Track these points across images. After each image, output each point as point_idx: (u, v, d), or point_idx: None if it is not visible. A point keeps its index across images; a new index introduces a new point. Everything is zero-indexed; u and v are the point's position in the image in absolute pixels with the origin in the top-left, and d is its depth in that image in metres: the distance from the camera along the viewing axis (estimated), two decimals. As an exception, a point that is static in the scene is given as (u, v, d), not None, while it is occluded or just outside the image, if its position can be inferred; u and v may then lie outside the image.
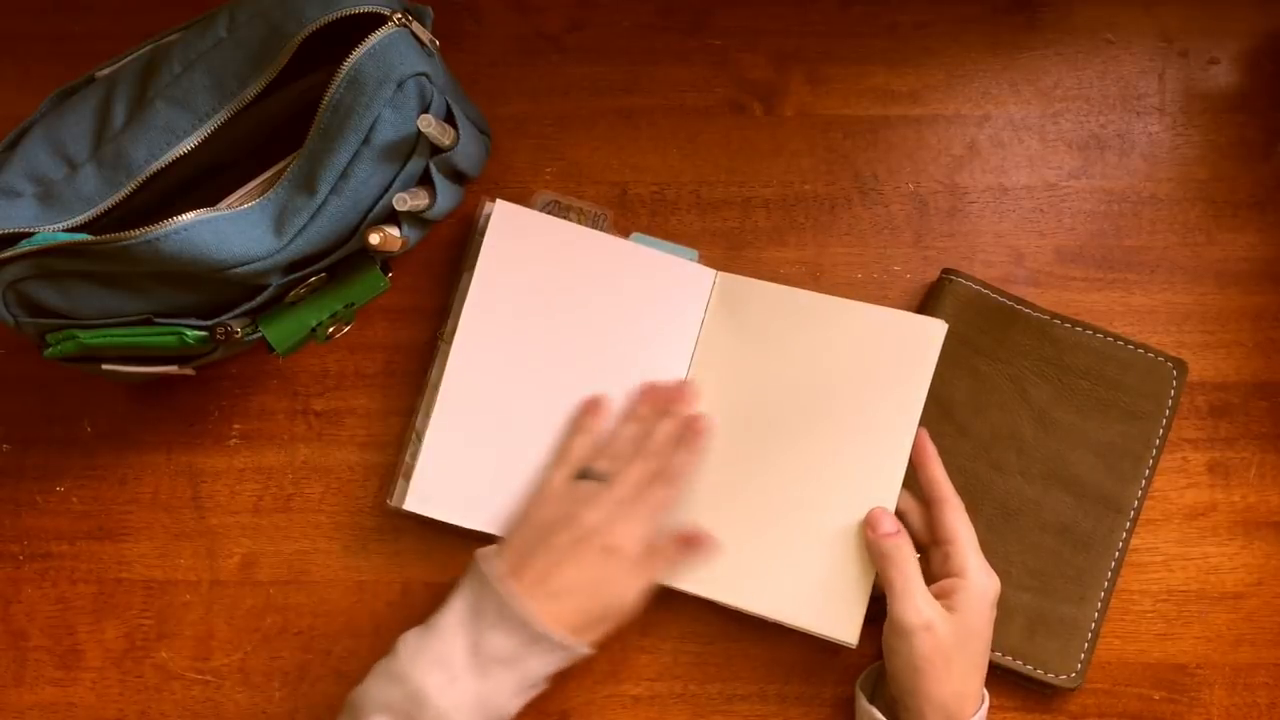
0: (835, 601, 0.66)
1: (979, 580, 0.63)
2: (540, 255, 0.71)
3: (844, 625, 0.65)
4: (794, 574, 0.67)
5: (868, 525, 0.65)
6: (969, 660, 0.63)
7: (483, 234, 0.71)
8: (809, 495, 0.67)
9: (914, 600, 0.62)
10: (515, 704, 0.62)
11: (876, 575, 0.65)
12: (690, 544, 0.67)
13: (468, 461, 0.69)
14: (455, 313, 0.72)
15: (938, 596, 0.63)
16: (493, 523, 0.68)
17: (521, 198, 0.74)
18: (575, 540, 0.63)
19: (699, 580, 0.68)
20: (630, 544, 0.64)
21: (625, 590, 0.63)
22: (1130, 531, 0.70)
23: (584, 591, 0.62)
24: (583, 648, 0.62)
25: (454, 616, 0.61)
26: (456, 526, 0.69)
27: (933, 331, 0.68)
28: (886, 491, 0.66)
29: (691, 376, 0.71)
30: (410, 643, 0.61)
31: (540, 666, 0.61)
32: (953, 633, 0.62)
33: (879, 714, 0.64)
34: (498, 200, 0.71)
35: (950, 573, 0.64)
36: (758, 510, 0.68)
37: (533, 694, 0.62)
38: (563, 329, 0.71)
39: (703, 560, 0.67)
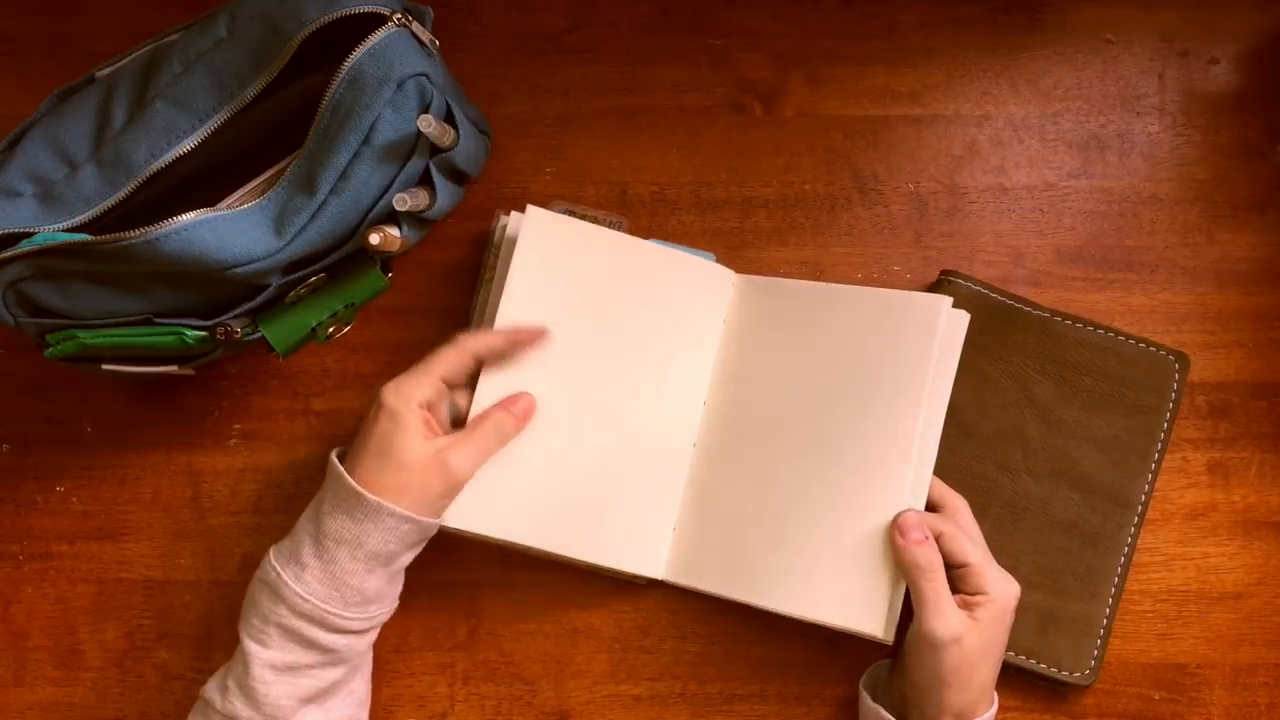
0: (865, 595, 0.64)
1: (1001, 592, 0.63)
2: (574, 261, 0.69)
3: (874, 618, 0.64)
4: (822, 569, 0.65)
5: (896, 530, 0.63)
6: (989, 667, 0.63)
7: (499, 247, 0.70)
8: (834, 490, 0.66)
9: (945, 614, 0.61)
10: (375, 582, 0.62)
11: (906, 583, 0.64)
12: (513, 403, 0.65)
13: (492, 470, 0.68)
14: (475, 323, 0.71)
15: (961, 608, 0.62)
16: (506, 528, 0.66)
17: (522, 198, 0.74)
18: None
19: (724, 582, 0.67)
20: (393, 395, 0.62)
21: (404, 444, 0.61)
22: (1139, 526, 0.70)
23: (367, 448, 0.62)
24: (397, 509, 0.60)
25: (304, 515, 0.63)
26: (459, 529, 0.69)
27: (943, 307, 0.65)
28: (918, 481, 0.65)
29: (713, 380, 0.70)
30: (273, 549, 0.63)
31: (378, 539, 0.61)
32: (978, 643, 0.61)
33: (886, 714, 0.64)
34: (529, 206, 0.68)
35: (970, 590, 0.63)
36: (783, 507, 0.67)
37: (392, 570, 0.62)
38: (586, 331, 0.69)
39: (517, 426, 0.65)
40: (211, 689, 0.62)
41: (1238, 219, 0.74)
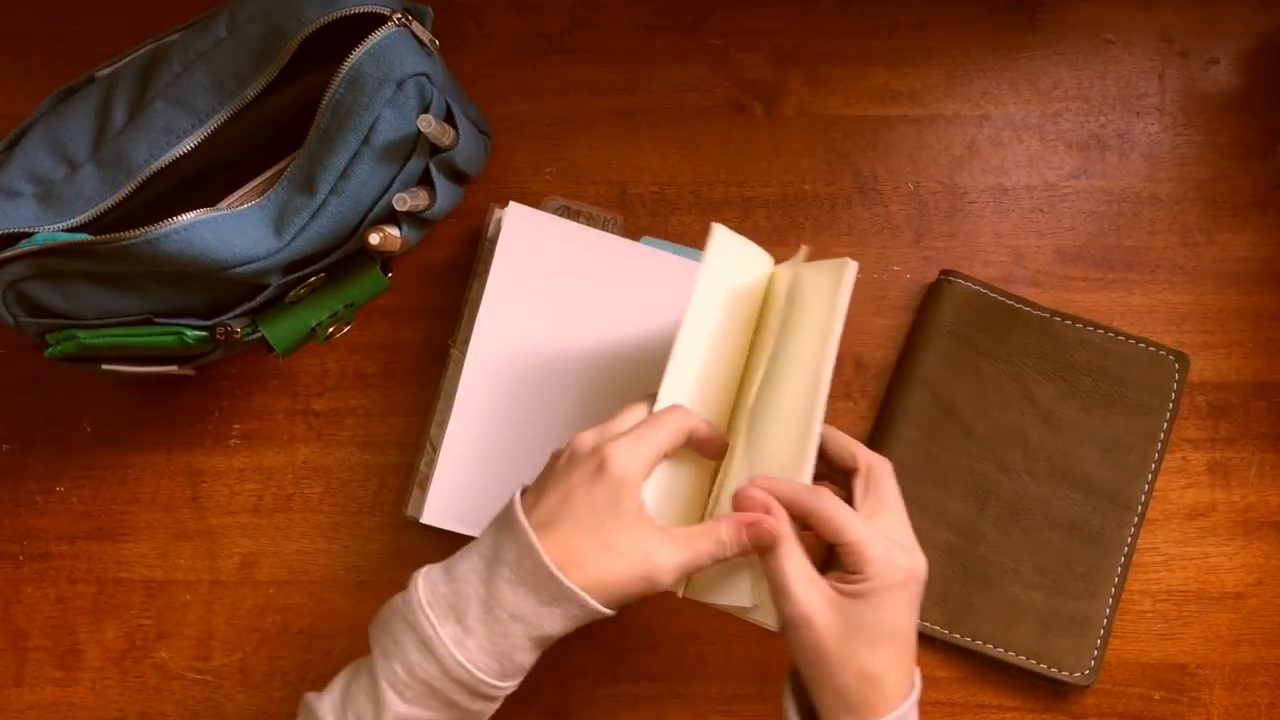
0: (731, 572, 0.59)
1: (880, 571, 0.55)
2: (554, 258, 0.70)
3: (744, 595, 0.59)
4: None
5: (735, 508, 0.57)
6: (870, 653, 0.55)
7: (493, 241, 0.71)
8: (730, 464, 0.62)
9: (789, 592, 0.56)
10: (533, 657, 0.57)
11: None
12: (749, 527, 0.56)
13: (486, 473, 0.69)
14: (468, 319, 0.71)
15: (841, 584, 0.56)
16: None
17: (522, 198, 0.74)
18: (568, 459, 0.57)
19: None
20: (624, 467, 0.55)
21: (619, 528, 0.55)
22: (1139, 526, 0.70)
23: (573, 514, 0.55)
24: (592, 604, 0.55)
25: (471, 560, 0.56)
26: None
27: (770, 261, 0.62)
28: (800, 457, 0.59)
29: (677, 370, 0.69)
30: (423, 585, 0.56)
31: (557, 624, 0.55)
32: (839, 623, 0.55)
33: (794, 713, 0.59)
34: (511, 202, 0.71)
35: (848, 569, 0.56)
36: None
37: (546, 645, 0.57)
38: (577, 333, 0.70)
39: (760, 551, 0.57)
40: (327, 712, 0.56)
41: (1238, 219, 0.74)
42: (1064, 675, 0.69)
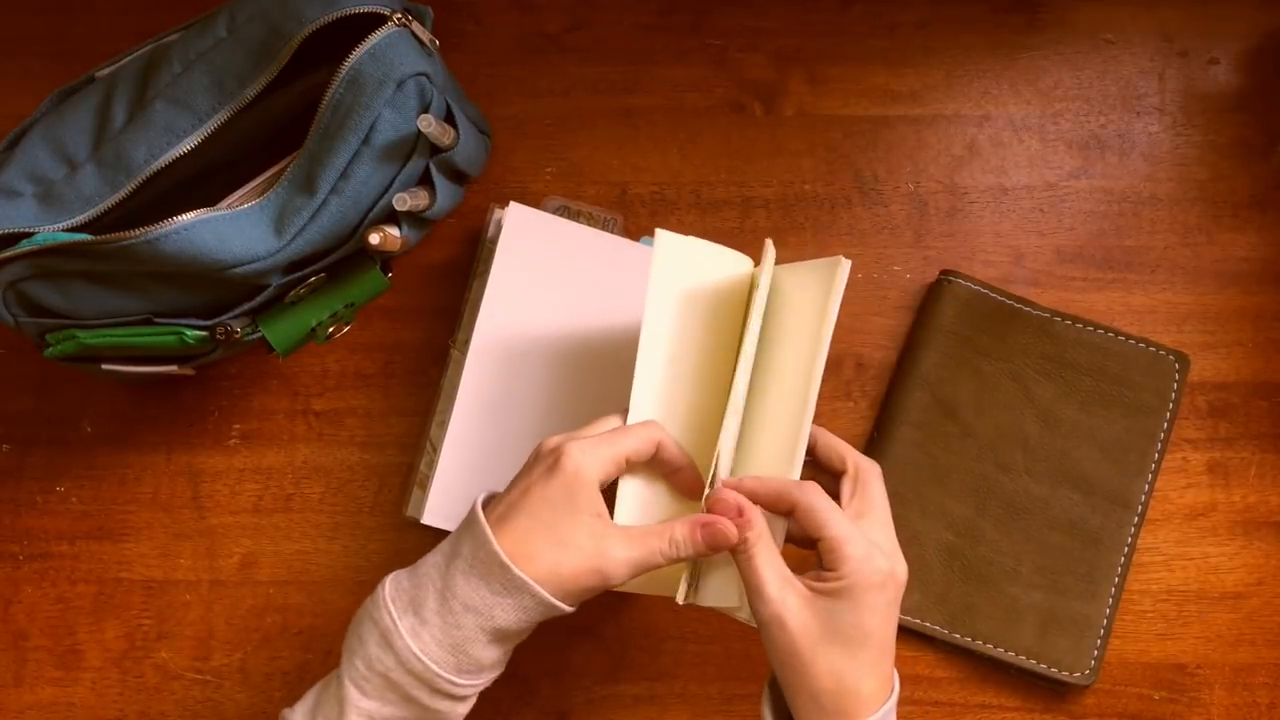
0: (715, 567, 0.59)
1: (856, 569, 0.55)
2: (554, 258, 0.70)
3: (730, 593, 0.59)
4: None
5: (707, 511, 0.58)
6: (845, 649, 0.55)
7: (493, 241, 0.71)
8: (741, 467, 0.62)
9: (761, 592, 0.56)
10: (494, 653, 0.57)
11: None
12: (704, 527, 0.57)
13: (486, 473, 0.69)
14: (468, 319, 0.71)
15: (819, 579, 0.56)
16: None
17: (521, 198, 0.74)
18: (532, 458, 0.58)
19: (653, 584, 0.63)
20: (578, 463, 0.56)
21: (573, 523, 0.56)
22: (1139, 526, 0.70)
23: (529, 507, 0.56)
24: (543, 594, 0.55)
25: (434, 557, 0.58)
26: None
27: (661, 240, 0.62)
28: (789, 455, 0.59)
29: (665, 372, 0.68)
30: (390, 584, 0.57)
31: (511, 615, 0.56)
32: (811, 623, 0.55)
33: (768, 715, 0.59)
34: (511, 202, 0.71)
35: (826, 566, 0.56)
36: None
37: (510, 644, 0.58)
38: (577, 333, 0.70)
39: (713, 550, 0.57)
40: None
41: (1238, 219, 0.74)
42: (1064, 675, 0.69)
